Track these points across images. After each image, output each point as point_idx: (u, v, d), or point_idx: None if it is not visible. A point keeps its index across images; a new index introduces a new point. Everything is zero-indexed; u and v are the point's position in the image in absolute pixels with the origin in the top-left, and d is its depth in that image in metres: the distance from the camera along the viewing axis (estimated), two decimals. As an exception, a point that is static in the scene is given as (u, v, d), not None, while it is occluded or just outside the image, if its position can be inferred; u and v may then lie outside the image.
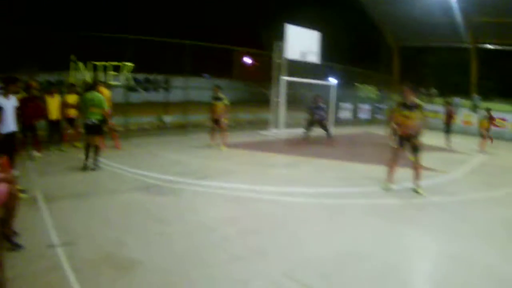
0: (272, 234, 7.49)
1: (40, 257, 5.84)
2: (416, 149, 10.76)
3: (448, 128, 20.98)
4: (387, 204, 9.86)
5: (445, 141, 20.44)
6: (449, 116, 21.21)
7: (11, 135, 9.64)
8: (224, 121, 16.28)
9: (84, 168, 11.63)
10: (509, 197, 11.18)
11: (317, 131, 20.27)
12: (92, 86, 12.49)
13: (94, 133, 12.06)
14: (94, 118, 11.99)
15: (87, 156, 11.87)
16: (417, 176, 10.76)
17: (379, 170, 12.78)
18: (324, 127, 19.60)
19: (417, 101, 10.72)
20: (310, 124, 19.64)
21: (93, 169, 11.67)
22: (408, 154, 11.05)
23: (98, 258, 5.95)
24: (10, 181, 6.33)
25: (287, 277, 5.77)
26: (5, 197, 5.85)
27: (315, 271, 5.99)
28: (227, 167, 12.93)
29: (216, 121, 16.24)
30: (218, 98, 16.10)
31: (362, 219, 8.60)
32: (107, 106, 12.35)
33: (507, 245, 7.53)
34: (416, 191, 10.68)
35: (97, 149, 12.04)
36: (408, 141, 10.85)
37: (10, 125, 9.57)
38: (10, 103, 9.65)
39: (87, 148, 11.94)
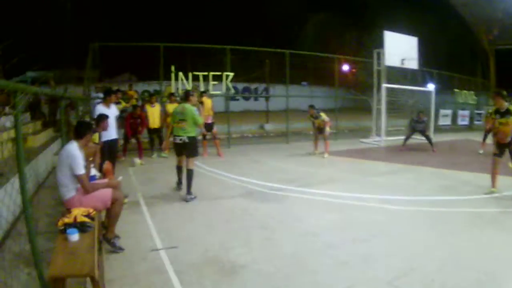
0: (376, 241, 7.33)
1: (142, 260, 5.87)
2: None
3: None
4: (489, 213, 9.30)
5: None
6: None
7: (113, 142, 9.86)
8: (328, 130, 16.04)
9: (177, 189, 10.29)
10: None
11: (418, 139, 20.14)
12: (184, 97, 10.34)
13: (183, 154, 10.12)
14: (183, 135, 9.88)
15: (179, 179, 10.44)
16: None
17: (480, 178, 12.26)
18: (426, 137, 19.35)
19: (509, 106, 10.35)
20: (411, 134, 19.61)
21: (187, 201, 9.46)
22: (508, 162, 10.79)
23: (201, 261, 5.93)
24: (114, 187, 6.39)
25: (392, 285, 5.61)
26: (109, 201, 6.00)
27: (419, 281, 5.78)
28: (329, 175, 12.77)
29: (319, 130, 16.11)
30: (315, 117, 15.97)
31: (464, 228, 8.17)
32: (201, 121, 10.11)
33: None
34: None
35: (190, 175, 9.80)
36: (506, 148, 10.42)
37: (113, 133, 9.79)
38: (112, 112, 9.92)
39: (178, 170, 10.43)
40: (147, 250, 6.20)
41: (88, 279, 4.30)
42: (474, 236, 7.70)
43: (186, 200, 9.38)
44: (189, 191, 9.57)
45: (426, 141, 19.37)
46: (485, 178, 11.28)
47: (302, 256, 6.45)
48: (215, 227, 7.55)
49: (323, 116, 15.91)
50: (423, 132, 19.29)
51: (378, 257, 6.54)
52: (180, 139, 9.92)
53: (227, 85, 18.33)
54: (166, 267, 5.66)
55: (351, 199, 10.04)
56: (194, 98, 10.31)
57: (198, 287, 5.19)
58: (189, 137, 9.90)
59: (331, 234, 7.52)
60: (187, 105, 9.94)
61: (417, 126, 19.11)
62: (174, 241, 6.59)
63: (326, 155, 15.77)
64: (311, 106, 16.08)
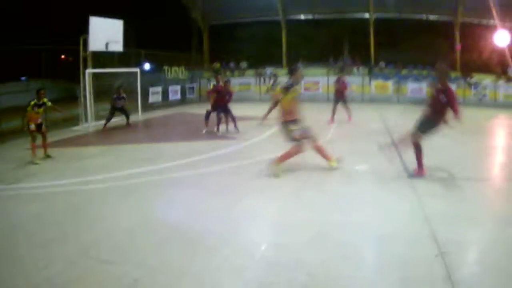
0: (71, 221, 8.38)
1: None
2: None
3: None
4: (182, 176, 11.45)
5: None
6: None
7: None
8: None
9: None
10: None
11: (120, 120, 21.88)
12: None
13: None
14: None
15: None
16: None
17: (179, 146, 14.88)
18: (125, 113, 21.43)
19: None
20: (113, 112, 21.39)
21: None
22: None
23: None
24: None
25: (84, 255, 6.65)
26: None
27: (108, 246, 7.02)
28: (33, 169, 13.16)
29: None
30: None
31: (156, 193, 10.00)
32: None
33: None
34: None
35: None
36: None
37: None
38: None
39: None
40: None
41: None
42: (165, 199, 9.59)
43: None
44: None
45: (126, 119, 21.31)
46: (182, 145, 14.42)
47: (4, 250, 7.13)
48: None
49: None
50: (123, 108, 21.37)
51: (73, 234, 7.64)
52: None
53: None
54: None
55: (53, 186, 10.89)
56: None
57: None
58: None
59: (30, 223, 8.33)
60: None
61: (118, 103, 21.11)
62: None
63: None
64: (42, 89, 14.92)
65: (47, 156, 14.49)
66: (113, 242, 7.20)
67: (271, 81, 22.27)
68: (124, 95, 21.75)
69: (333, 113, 21.51)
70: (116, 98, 21.38)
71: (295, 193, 9.70)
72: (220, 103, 18.68)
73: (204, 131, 18.77)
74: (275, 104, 11.65)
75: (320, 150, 11.64)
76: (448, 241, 6.76)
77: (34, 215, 8.87)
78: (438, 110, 10.80)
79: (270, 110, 16.84)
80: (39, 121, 14.39)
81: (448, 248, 6.51)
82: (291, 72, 11.80)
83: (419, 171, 10.99)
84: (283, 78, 22.09)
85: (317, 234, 7.26)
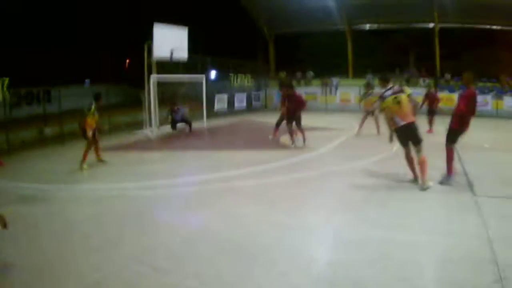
0: (127, 225, 8.42)
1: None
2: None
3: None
4: (243, 186, 11.21)
5: None
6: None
7: None
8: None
9: None
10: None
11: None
12: None
13: None
14: None
15: None
16: None
17: (242, 155, 14.81)
18: (187, 122, 21.70)
19: None
20: (174, 124, 21.85)
21: None
22: None
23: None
24: None
25: (137, 261, 6.63)
26: None
27: (163, 254, 6.93)
28: (96, 171, 13.65)
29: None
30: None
31: (215, 202, 9.80)
32: None
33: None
34: None
35: None
36: None
37: None
38: None
39: None
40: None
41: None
42: (225, 208, 9.37)
43: None
44: None
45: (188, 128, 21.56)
46: (245, 154, 14.35)
47: (62, 248, 7.29)
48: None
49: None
50: (183, 119, 21.69)
51: (129, 238, 7.64)
52: None
53: (3, 91, 18.18)
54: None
55: (113, 190, 11.10)
56: None
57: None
58: None
59: (89, 225, 8.42)
60: None
61: (176, 116, 21.47)
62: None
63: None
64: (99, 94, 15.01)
65: (100, 161, 14.52)
66: (168, 250, 7.13)
67: (364, 91, 21.43)
68: (181, 108, 22.20)
69: (431, 123, 20.79)
70: (172, 111, 21.85)
71: (358, 208, 9.33)
72: (291, 111, 16.76)
73: (270, 138, 18.61)
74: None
75: (423, 164, 10.62)
76: (509, 266, 6.49)
77: (92, 217, 9.03)
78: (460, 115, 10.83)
79: (363, 121, 17.00)
80: (95, 126, 14.11)
81: (509, 273, 6.25)
82: (384, 80, 11.55)
83: (448, 173, 10.94)
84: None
85: (378, 253, 6.90)
